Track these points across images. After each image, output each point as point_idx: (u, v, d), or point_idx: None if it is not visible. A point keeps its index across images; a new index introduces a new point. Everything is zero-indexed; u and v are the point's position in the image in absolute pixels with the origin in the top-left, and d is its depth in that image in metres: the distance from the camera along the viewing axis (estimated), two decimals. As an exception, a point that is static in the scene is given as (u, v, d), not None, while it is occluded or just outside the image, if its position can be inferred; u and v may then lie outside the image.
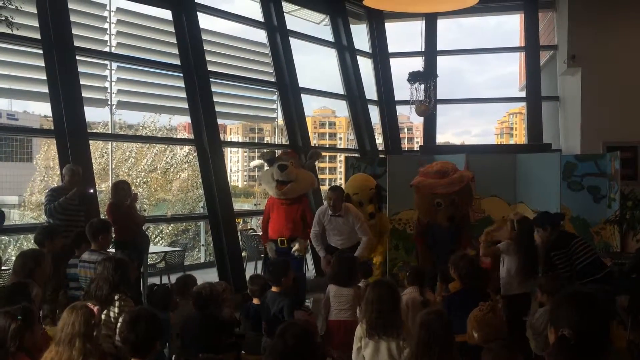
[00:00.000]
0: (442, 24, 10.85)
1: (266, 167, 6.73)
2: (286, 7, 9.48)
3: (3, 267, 5.77)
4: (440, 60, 10.82)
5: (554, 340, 2.09)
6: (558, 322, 2.12)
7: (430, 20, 10.39)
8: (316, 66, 13.70)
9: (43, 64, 6.32)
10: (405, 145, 30.39)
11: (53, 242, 4.89)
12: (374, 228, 6.60)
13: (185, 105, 7.74)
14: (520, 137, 52.10)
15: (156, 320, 2.90)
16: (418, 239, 6.72)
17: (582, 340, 2.04)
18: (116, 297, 3.69)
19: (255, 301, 4.63)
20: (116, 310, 3.65)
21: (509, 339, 3.41)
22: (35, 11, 6.32)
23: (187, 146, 18.82)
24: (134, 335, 2.79)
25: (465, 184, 6.27)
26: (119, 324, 3.08)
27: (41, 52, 6.32)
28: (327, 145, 46.30)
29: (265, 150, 7.01)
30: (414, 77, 8.39)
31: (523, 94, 11.20)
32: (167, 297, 4.33)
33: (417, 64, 10.16)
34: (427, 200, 6.28)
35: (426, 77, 8.48)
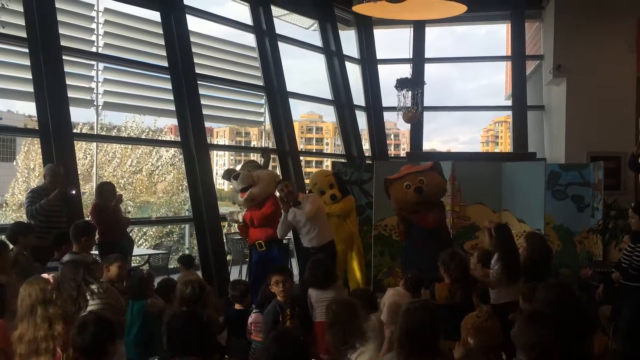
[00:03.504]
0: (434, 31, 10.92)
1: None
2: (275, 11, 9.48)
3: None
4: (430, 67, 10.89)
5: None
6: (520, 346, 2.15)
7: (419, 28, 10.45)
8: (304, 71, 13.71)
9: (29, 63, 6.24)
10: (391, 151, 30.43)
11: (26, 238, 4.82)
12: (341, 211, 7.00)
13: (172, 108, 7.70)
14: (505, 145, 52.47)
15: (105, 324, 2.86)
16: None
17: None
18: (93, 288, 3.66)
19: (237, 306, 4.61)
20: (96, 300, 3.64)
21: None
22: (21, 9, 6.24)
23: (172, 148, 18.72)
24: (81, 339, 2.76)
25: (431, 167, 6.71)
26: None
27: (27, 51, 6.25)
28: (314, 150, 46.17)
29: (224, 171, 7.10)
30: (401, 84, 8.44)
31: (509, 102, 11.30)
32: (144, 283, 4.29)
33: (405, 70, 10.21)
34: (398, 187, 6.68)
35: (414, 84, 8.53)
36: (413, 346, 2.75)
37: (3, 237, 4.88)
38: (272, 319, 4.19)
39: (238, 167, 7.04)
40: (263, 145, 7.68)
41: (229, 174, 6.63)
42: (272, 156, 7.41)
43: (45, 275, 3.06)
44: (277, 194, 6.23)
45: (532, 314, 2.29)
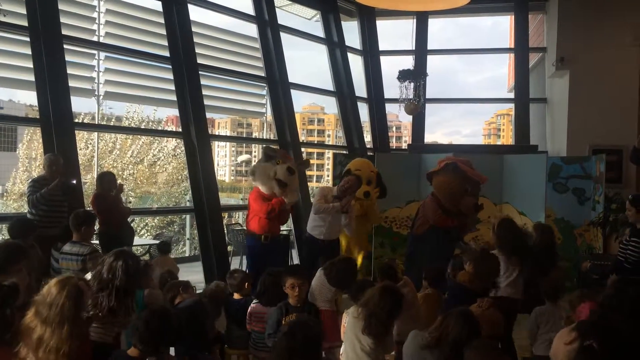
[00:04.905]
0: (438, 22, 10.86)
1: (253, 162, 6.66)
2: (277, 1, 9.43)
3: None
4: (434, 60, 10.84)
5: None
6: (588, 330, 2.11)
7: (422, 19, 10.41)
8: (306, 62, 13.67)
9: (30, 52, 6.22)
10: (393, 143, 30.47)
11: (29, 238, 4.79)
12: (368, 211, 6.87)
13: (174, 98, 7.68)
14: (507, 138, 52.45)
15: (169, 321, 2.91)
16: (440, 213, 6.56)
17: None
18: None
19: (236, 296, 4.62)
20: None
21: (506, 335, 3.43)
22: (22, -2, 6.23)
23: (174, 139, 18.73)
24: (145, 331, 2.81)
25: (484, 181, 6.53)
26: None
27: (28, 39, 6.23)
28: (316, 142, 46.20)
29: (272, 146, 6.84)
30: (403, 76, 8.41)
31: (511, 95, 11.26)
32: (143, 273, 4.27)
33: (408, 62, 10.19)
34: (457, 183, 6.31)
35: (416, 75, 8.50)
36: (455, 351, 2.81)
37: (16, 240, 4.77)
38: (275, 318, 4.08)
39: (240, 158, 6.96)
40: (305, 157, 7.48)
41: (272, 155, 6.31)
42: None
43: (81, 282, 2.94)
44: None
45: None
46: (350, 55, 10.54)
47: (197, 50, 7.91)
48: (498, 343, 3.15)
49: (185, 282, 4.35)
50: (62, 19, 6.55)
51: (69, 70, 6.51)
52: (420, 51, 10.42)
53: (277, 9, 9.28)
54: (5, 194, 19.78)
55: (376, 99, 10.97)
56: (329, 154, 14.33)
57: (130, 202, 16.68)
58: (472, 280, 4.11)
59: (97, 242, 5.83)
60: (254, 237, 6.21)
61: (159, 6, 7.66)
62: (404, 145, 31.51)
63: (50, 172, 5.70)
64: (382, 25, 11.31)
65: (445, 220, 6.37)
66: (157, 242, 7.21)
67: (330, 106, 10.88)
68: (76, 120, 7.52)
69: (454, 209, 6.36)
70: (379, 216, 7.14)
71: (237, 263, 8.46)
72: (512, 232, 4.85)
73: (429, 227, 6.45)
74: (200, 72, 7.87)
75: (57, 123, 6.23)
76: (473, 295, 3.81)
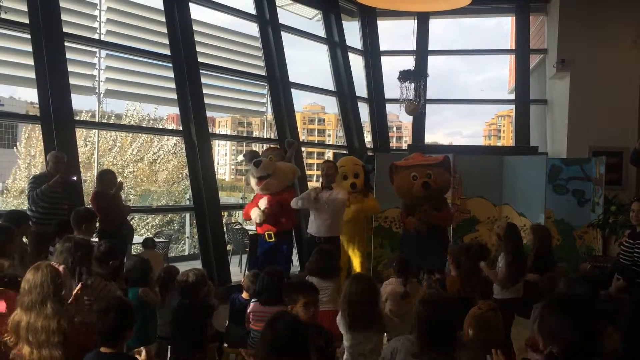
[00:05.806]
0: (442, 23, 10.88)
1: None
2: (279, 0, 9.44)
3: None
4: (436, 60, 10.84)
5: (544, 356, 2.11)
6: (546, 335, 2.13)
7: (423, 20, 10.41)
8: (307, 61, 13.66)
9: (31, 49, 6.23)
10: (393, 144, 30.52)
11: (21, 227, 4.81)
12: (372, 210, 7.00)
13: (174, 96, 7.69)
14: (507, 139, 52.51)
15: (127, 310, 2.89)
16: (404, 215, 6.71)
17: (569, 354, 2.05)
18: (88, 281, 3.63)
19: (245, 295, 4.61)
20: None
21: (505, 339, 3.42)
22: (24, -5, 6.23)
23: (174, 137, 18.72)
24: (102, 324, 2.79)
25: (440, 161, 6.57)
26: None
27: (29, 37, 6.24)
28: (316, 142, 46.21)
29: (247, 150, 6.91)
30: (404, 76, 8.41)
31: (512, 96, 11.27)
32: (147, 271, 4.27)
33: (409, 62, 10.18)
34: (404, 175, 6.53)
35: (416, 76, 8.50)
36: (431, 336, 2.80)
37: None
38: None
39: (241, 157, 6.93)
40: (288, 138, 7.52)
41: (250, 157, 6.46)
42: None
43: (55, 264, 2.99)
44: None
45: (554, 302, 2.25)
46: (351, 55, 10.55)
47: (198, 48, 7.92)
48: (496, 346, 3.13)
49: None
50: (63, 17, 6.56)
51: (70, 68, 6.52)
52: (421, 52, 10.42)
53: (278, 8, 9.28)
54: (5, 191, 19.79)
55: (377, 99, 10.97)
56: (329, 153, 14.33)
57: (130, 200, 16.73)
58: (454, 283, 4.10)
59: (97, 239, 5.83)
60: (259, 239, 6.35)
61: (160, 4, 7.67)
62: (404, 146, 31.53)
63: (53, 169, 5.71)
64: (383, 26, 11.33)
65: (409, 222, 6.51)
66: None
67: (331, 106, 10.91)
68: (76, 118, 7.51)
69: (415, 201, 6.49)
70: (374, 205, 7.04)
71: (237, 262, 8.47)
72: (518, 236, 4.91)
73: (405, 230, 6.68)
74: (201, 71, 7.87)
75: (58, 120, 6.24)
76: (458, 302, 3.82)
